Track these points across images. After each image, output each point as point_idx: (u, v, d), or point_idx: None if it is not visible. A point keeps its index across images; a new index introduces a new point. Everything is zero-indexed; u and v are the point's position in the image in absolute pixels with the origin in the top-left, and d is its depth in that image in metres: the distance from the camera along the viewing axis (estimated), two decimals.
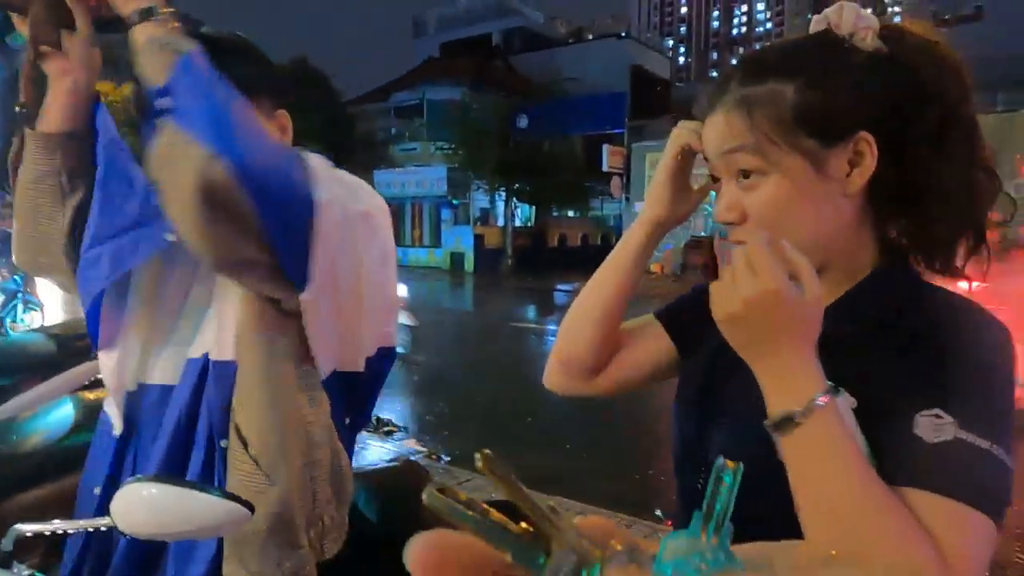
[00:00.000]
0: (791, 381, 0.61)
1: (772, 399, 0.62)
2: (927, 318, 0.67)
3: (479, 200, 25.05)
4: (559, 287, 15.67)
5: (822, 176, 0.68)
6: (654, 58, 33.64)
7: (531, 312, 12.82)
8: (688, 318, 0.91)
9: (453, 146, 22.91)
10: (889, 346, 0.66)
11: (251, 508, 0.76)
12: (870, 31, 0.69)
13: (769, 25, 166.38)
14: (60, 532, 0.80)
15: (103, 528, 0.78)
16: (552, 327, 10.47)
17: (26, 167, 0.96)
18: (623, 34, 35.32)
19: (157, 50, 0.80)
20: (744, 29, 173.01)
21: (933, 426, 0.60)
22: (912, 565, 0.55)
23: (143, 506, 0.75)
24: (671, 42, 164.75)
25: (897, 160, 0.68)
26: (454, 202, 24.48)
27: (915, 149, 0.68)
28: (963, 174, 0.69)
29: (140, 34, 0.82)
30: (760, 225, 0.69)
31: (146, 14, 0.82)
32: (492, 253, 22.64)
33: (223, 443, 0.92)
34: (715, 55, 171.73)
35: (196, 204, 0.74)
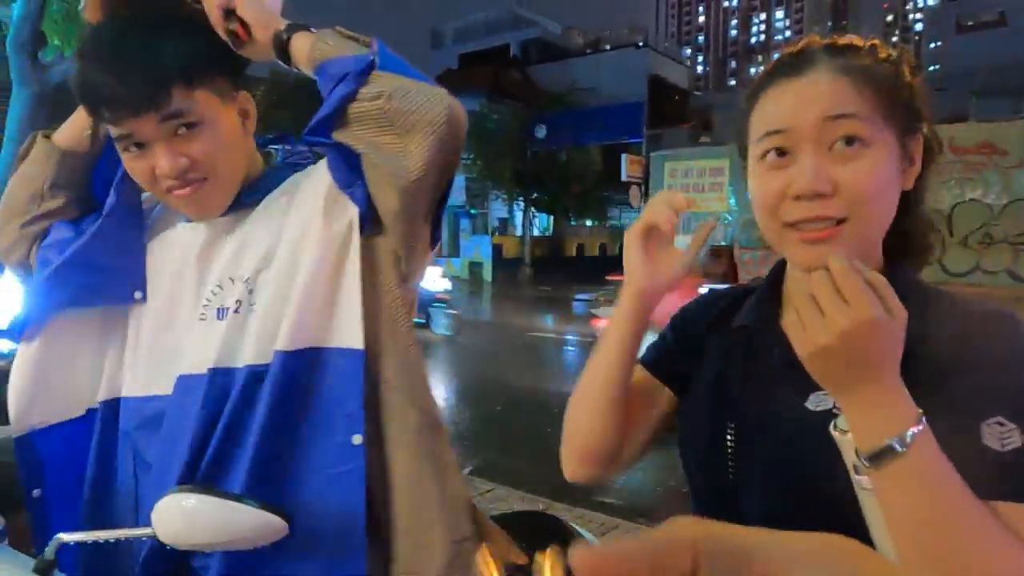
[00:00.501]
0: (886, 411, 0.58)
1: (865, 431, 0.59)
2: (954, 324, 0.67)
3: (497, 210, 25.13)
4: (577, 296, 15.65)
5: (903, 161, 0.70)
6: (672, 67, 33.60)
7: (549, 321, 12.81)
8: (673, 356, 0.89)
9: (471, 156, 23.04)
10: (928, 356, 0.64)
11: (287, 520, 0.77)
12: None
13: (788, 33, 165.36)
14: (101, 541, 0.82)
15: (144, 538, 0.80)
16: (570, 336, 10.45)
17: (25, 164, 1.03)
18: (640, 43, 35.32)
19: (342, 39, 0.88)
20: (763, 37, 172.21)
21: (999, 434, 0.58)
22: None
23: (182, 516, 0.77)
24: (689, 51, 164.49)
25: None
26: (472, 212, 24.58)
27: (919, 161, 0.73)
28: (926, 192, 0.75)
29: (304, 39, 0.89)
30: (855, 197, 0.67)
31: (297, 27, 0.90)
32: (510, 262, 22.68)
33: (356, 439, 0.89)
34: (733, 63, 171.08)
35: (443, 125, 0.85)
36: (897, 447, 0.57)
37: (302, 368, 0.90)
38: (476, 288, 20.24)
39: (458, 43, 37.79)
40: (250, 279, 0.94)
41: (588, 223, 26.36)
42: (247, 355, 0.91)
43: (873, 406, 0.59)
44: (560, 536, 1.34)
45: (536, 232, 24.42)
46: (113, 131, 0.93)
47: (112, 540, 0.81)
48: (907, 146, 0.70)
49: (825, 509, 0.65)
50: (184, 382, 0.94)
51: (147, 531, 0.79)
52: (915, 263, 0.77)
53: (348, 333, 0.90)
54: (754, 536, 0.65)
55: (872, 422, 0.59)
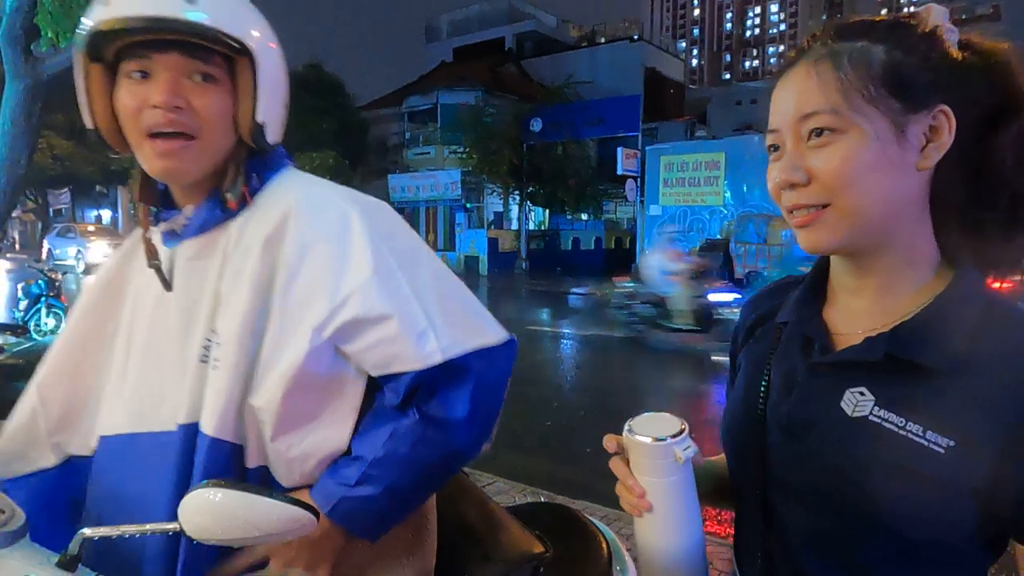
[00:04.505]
0: None
1: None
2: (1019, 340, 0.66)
3: (493, 203, 25.08)
4: (573, 291, 15.64)
5: (901, 141, 0.68)
6: (667, 60, 33.50)
7: (545, 315, 12.80)
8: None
9: (466, 150, 22.96)
10: (993, 373, 0.64)
11: (316, 514, 0.77)
12: (954, 34, 0.70)
13: (783, 27, 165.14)
14: (126, 536, 0.81)
15: (171, 533, 0.79)
16: (566, 330, 10.44)
17: None
18: (636, 37, 35.23)
19: None
20: (757, 31, 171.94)
21: None
22: None
23: (209, 511, 0.76)
24: (684, 44, 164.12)
25: (971, 154, 0.69)
26: (468, 206, 24.53)
27: (994, 147, 0.68)
28: None
29: None
30: (829, 184, 0.68)
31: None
32: (506, 256, 22.64)
33: None
34: (728, 57, 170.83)
35: None
36: None
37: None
38: (472, 282, 20.20)
39: (453, 36, 37.56)
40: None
41: (584, 217, 26.34)
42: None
43: None
44: (576, 527, 1.34)
45: (532, 226, 24.39)
46: (130, 65, 0.88)
47: (137, 535, 0.80)
48: (908, 125, 0.67)
49: (860, 516, 0.65)
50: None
51: (173, 526, 0.78)
52: (989, 263, 0.73)
53: None
54: None
55: None
